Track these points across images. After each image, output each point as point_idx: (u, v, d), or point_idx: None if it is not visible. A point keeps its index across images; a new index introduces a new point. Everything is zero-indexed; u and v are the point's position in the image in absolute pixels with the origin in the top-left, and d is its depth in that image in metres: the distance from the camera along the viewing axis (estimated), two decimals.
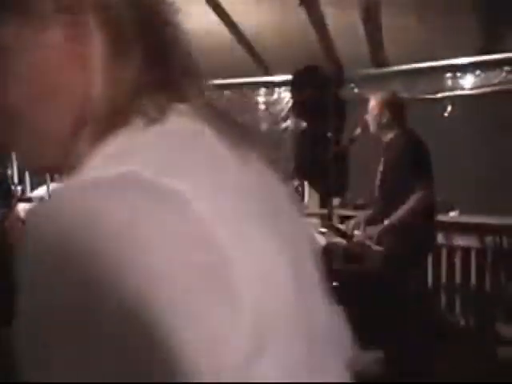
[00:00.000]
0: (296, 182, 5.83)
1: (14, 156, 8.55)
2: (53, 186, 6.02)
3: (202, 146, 0.65)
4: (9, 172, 8.18)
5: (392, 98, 4.77)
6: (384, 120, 4.62)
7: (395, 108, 4.66)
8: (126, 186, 0.54)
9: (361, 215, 5.05)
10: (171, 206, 0.54)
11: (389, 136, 4.63)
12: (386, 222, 4.35)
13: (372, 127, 4.72)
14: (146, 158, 0.58)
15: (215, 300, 0.54)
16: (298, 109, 7.03)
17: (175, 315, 0.51)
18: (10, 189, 6.67)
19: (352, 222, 4.90)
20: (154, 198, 0.54)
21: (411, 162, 4.32)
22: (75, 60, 0.64)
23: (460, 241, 6.04)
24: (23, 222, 6.41)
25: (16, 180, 8.39)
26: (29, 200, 6.61)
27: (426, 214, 4.40)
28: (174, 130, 0.65)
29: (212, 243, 0.55)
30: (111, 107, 0.64)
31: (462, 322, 5.87)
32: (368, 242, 4.34)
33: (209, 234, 0.55)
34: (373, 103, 4.71)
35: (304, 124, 7.05)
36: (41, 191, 6.69)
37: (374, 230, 4.42)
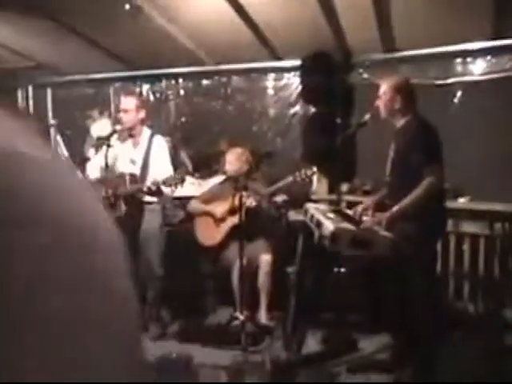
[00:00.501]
0: (309, 171, 5.78)
1: None
2: None
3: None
4: None
5: (404, 83, 4.72)
6: (396, 106, 4.58)
7: (407, 93, 4.62)
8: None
9: (369, 200, 5.04)
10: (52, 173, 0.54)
11: (400, 122, 4.60)
12: (396, 208, 4.33)
13: (383, 113, 4.67)
14: None
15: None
16: (307, 94, 7.01)
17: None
18: None
19: (360, 207, 4.89)
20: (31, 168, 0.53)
21: (422, 148, 4.29)
22: None
23: (469, 227, 6.02)
24: None
25: None
26: None
27: (436, 199, 4.38)
28: None
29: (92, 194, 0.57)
30: None
31: (471, 309, 5.86)
32: (377, 228, 4.32)
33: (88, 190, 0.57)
34: (384, 89, 4.66)
35: (313, 109, 7.04)
36: None
37: (383, 216, 4.39)
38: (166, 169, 5.68)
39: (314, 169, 5.87)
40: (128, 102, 5.75)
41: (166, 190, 5.55)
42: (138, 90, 8.32)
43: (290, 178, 5.81)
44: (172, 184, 5.34)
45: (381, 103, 4.66)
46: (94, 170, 5.84)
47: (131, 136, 5.73)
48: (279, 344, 5.17)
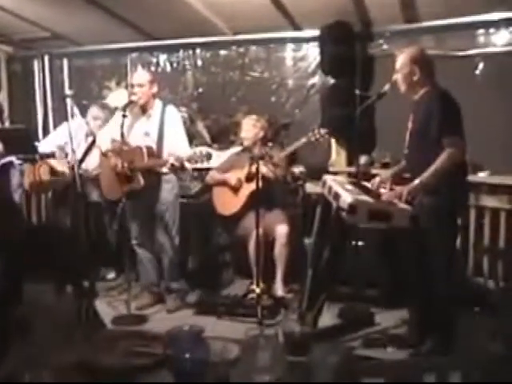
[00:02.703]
0: (322, 130, 5.75)
1: (39, 112, 8.57)
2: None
3: None
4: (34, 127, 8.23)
5: (421, 54, 4.59)
6: (415, 78, 4.47)
7: (425, 64, 4.51)
8: None
9: (387, 173, 4.96)
10: None
11: (419, 94, 4.50)
12: (418, 180, 4.24)
13: (402, 87, 4.57)
14: None
15: None
16: (326, 65, 6.93)
17: None
18: (33, 146, 6.67)
19: (377, 179, 4.81)
20: None
21: (442, 119, 4.19)
22: None
23: (489, 201, 5.95)
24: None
25: (41, 137, 8.44)
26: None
27: (458, 172, 4.29)
28: None
29: None
30: None
31: (490, 284, 5.81)
32: (396, 201, 4.25)
33: None
34: (401, 61, 4.55)
35: (331, 80, 6.96)
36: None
37: (404, 188, 4.31)
38: (181, 140, 5.71)
39: (330, 138, 5.84)
40: (142, 77, 5.77)
41: (189, 165, 5.53)
42: (154, 60, 8.29)
43: (303, 139, 5.79)
44: (198, 161, 5.32)
45: (399, 77, 4.56)
46: (103, 141, 5.84)
47: (144, 110, 5.72)
48: (295, 317, 5.15)
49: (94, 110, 6.62)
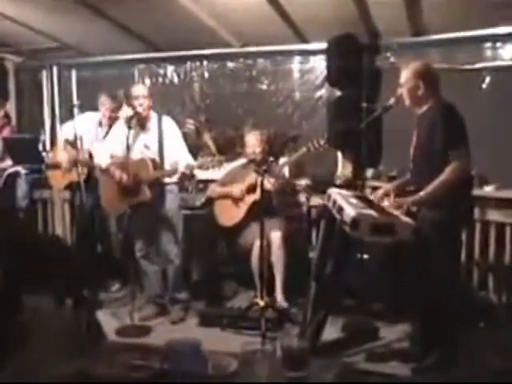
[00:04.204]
0: (322, 140, 5.80)
1: (47, 122, 8.57)
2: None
3: None
4: (42, 137, 8.25)
5: (426, 69, 4.58)
6: (420, 92, 4.46)
7: (430, 79, 4.50)
8: None
9: (389, 185, 4.94)
10: None
11: (423, 108, 4.49)
12: (422, 193, 4.23)
13: (407, 101, 4.56)
14: None
15: None
16: (333, 77, 6.91)
17: None
18: (40, 155, 6.66)
19: (380, 192, 4.80)
20: None
21: (446, 132, 4.18)
22: None
23: (495, 216, 5.92)
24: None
25: (48, 146, 8.45)
26: None
27: (463, 185, 4.27)
28: None
29: None
30: None
31: (494, 299, 5.78)
32: (398, 213, 4.24)
33: None
34: (406, 76, 4.54)
35: (338, 93, 6.94)
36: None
37: (405, 201, 4.31)
38: (182, 149, 5.77)
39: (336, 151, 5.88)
40: (143, 89, 5.82)
41: (198, 173, 5.59)
42: (162, 71, 8.31)
43: (304, 149, 5.83)
44: (209, 167, 5.36)
45: (404, 91, 4.55)
46: (102, 156, 5.85)
47: (142, 122, 5.73)
48: (296, 331, 5.13)
49: (102, 98, 6.65)
